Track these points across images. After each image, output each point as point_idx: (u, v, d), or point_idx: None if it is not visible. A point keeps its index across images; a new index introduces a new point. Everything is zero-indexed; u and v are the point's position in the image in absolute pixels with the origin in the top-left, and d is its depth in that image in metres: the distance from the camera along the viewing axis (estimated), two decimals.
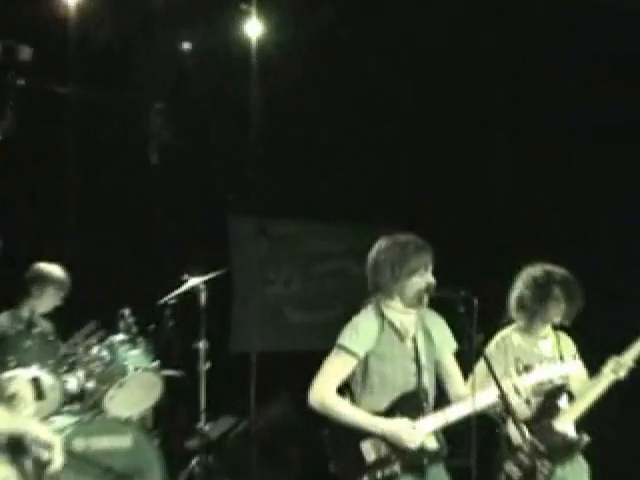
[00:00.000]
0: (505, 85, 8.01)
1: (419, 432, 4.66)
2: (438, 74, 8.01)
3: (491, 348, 5.54)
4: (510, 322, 5.66)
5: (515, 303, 5.59)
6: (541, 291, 5.50)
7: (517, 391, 4.78)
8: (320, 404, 4.69)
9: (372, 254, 4.86)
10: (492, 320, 5.56)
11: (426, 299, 4.79)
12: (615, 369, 5.39)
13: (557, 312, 5.53)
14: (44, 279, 6.46)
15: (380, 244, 4.86)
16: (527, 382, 4.88)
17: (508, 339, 5.60)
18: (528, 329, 5.60)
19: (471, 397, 4.65)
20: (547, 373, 4.98)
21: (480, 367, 4.97)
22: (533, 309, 5.52)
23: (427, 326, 4.89)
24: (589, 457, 5.52)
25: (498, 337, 5.63)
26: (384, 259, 4.79)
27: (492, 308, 5.58)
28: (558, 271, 5.59)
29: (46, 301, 6.49)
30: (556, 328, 5.64)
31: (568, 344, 5.68)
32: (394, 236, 4.87)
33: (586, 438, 5.46)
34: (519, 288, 5.58)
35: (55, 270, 6.51)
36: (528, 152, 7.88)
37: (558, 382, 5.27)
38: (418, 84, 8.07)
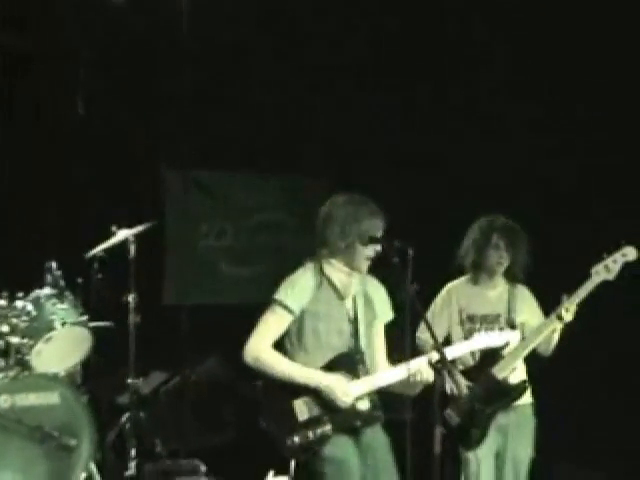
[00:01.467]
0: None
1: (351, 396, 4.69)
2: None
3: (437, 300, 5.69)
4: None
5: (462, 251, 5.67)
6: (480, 238, 5.59)
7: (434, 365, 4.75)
8: (255, 359, 4.69)
9: (324, 208, 4.86)
10: (438, 270, 5.65)
11: (369, 263, 4.80)
12: (559, 314, 5.39)
13: (498, 260, 5.57)
14: None
15: (334, 200, 4.86)
16: (458, 353, 5.01)
17: (454, 289, 5.70)
18: (475, 279, 5.67)
19: (403, 364, 4.66)
20: (483, 341, 5.04)
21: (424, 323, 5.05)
22: (475, 257, 5.60)
23: (368, 291, 4.90)
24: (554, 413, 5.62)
25: (444, 289, 5.73)
26: (335, 215, 4.79)
27: (436, 259, 5.72)
28: (503, 222, 5.62)
29: None
30: (515, 279, 5.67)
31: (524, 295, 5.67)
32: (350, 195, 4.86)
33: (527, 384, 5.51)
34: (468, 236, 5.67)
35: None
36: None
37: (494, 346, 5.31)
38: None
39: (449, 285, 5.73)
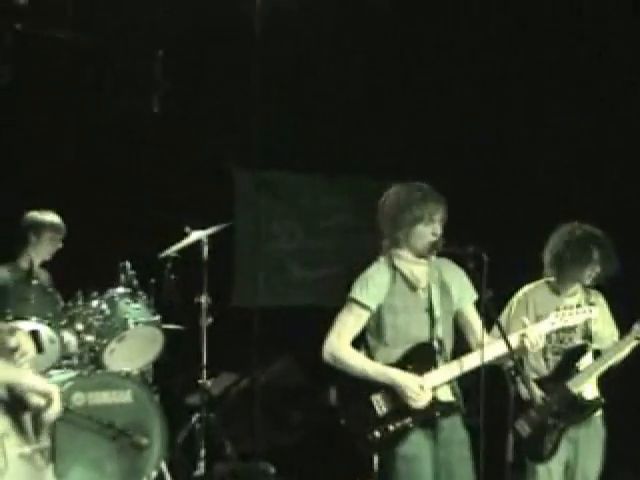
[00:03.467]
0: None
1: (427, 390, 4.62)
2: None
3: (513, 302, 5.51)
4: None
5: (551, 260, 5.48)
6: (582, 252, 5.39)
7: (531, 343, 4.69)
8: (332, 357, 4.69)
9: (381, 200, 4.84)
10: (511, 276, 5.54)
11: (434, 250, 4.73)
12: (639, 334, 5.31)
13: (592, 274, 5.43)
14: (40, 224, 6.37)
15: (389, 191, 4.83)
16: (540, 329, 4.80)
17: (531, 294, 5.53)
18: (556, 286, 5.51)
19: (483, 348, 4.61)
20: (562, 320, 4.88)
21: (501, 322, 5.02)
22: (570, 269, 5.41)
23: (443, 276, 4.83)
24: (613, 423, 5.46)
25: (521, 292, 5.57)
26: (388, 205, 4.77)
27: (510, 264, 5.66)
28: (598, 233, 5.48)
29: (45, 248, 6.39)
30: (587, 287, 5.54)
31: (599, 303, 5.52)
32: (405, 183, 4.82)
33: (601, 401, 5.40)
34: (558, 246, 5.47)
35: (49, 215, 6.43)
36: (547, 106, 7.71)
37: (578, 342, 5.31)
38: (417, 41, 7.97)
39: (526, 288, 5.57)
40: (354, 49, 7.90)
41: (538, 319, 5.25)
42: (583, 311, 4.91)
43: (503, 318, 5.37)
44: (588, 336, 5.41)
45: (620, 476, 6.65)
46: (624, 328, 5.45)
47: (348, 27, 7.83)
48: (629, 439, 6.53)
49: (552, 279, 5.51)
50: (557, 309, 4.90)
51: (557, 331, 5.26)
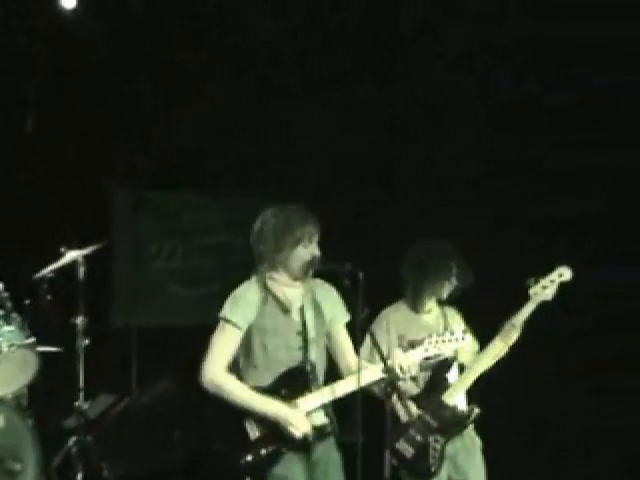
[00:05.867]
0: None
1: (305, 420, 4.62)
2: None
3: (374, 326, 5.44)
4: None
5: (409, 277, 5.61)
6: (441, 268, 5.54)
7: (403, 370, 4.71)
8: (213, 385, 4.65)
9: (257, 223, 4.79)
10: (383, 294, 5.55)
11: (310, 271, 4.73)
12: (503, 337, 5.41)
13: (441, 287, 5.56)
14: None
15: (265, 213, 4.79)
16: (413, 358, 4.82)
17: (391, 316, 5.61)
18: (413, 304, 5.63)
19: (357, 373, 4.61)
20: (435, 347, 4.90)
21: (367, 343, 5.08)
22: (429, 285, 5.56)
23: (317, 298, 4.81)
24: (485, 430, 5.57)
25: (380, 315, 5.62)
26: (268, 228, 4.72)
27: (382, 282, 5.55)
28: (441, 245, 5.59)
29: None
30: (441, 302, 5.66)
31: (455, 317, 5.67)
32: (280, 206, 4.81)
33: (477, 410, 5.50)
34: (415, 263, 5.61)
35: None
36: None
37: (447, 354, 5.26)
38: None
39: (384, 311, 5.65)
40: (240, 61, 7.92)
41: (400, 339, 5.44)
42: (456, 339, 4.92)
43: (364, 344, 5.21)
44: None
45: None
46: (484, 338, 5.54)
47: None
48: (506, 445, 6.60)
49: (408, 298, 5.62)
50: (430, 336, 4.91)
51: None
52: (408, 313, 5.62)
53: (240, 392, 4.64)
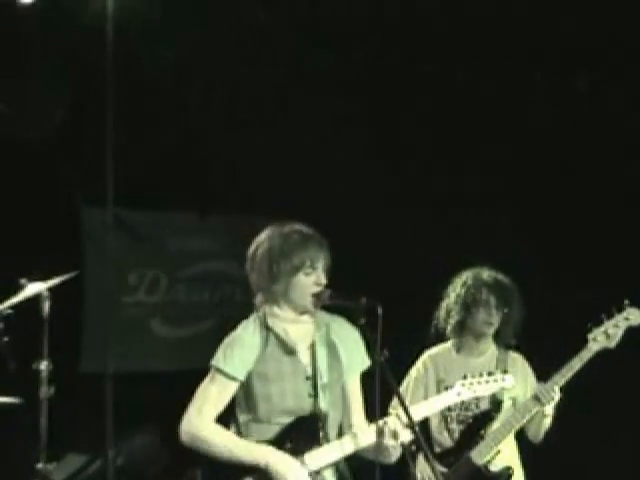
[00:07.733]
0: None
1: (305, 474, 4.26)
2: None
3: (412, 372, 5.43)
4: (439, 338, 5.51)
5: (443, 312, 5.41)
6: (466, 295, 5.32)
7: (394, 435, 4.25)
8: (191, 438, 4.28)
9: (251, 247, 4.43)
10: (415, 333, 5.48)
11: (319, 303, 4.33)
12: (539, 398, 5.12)
13: (487, 319, 5.29)
14: None
15: (261, 235, 4.43)
16: (444, 402, 4.48)
17: (431, 358, 5.45)
18: (459, 345, 5.41)
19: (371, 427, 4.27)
20: (470, 390, 4.46)
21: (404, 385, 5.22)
22: (459, 317, 5.33)
23: (332, 337, 4.42)
24: None
25: (424, 356, 5.47)
26: (262, 253, 4.35)
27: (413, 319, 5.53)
28: (490, 273, 5.37)
29: None
30: (509, 347, 5.40)
31: (517, 364, 5.36)
32: (279, 225, 4.43)
33: (511, 472, 5.25)
34: (448, 295, 5.42)
35: None
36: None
37: (484, 407, 5.18)
38: None
39: (426, 353, 5.44)
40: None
41: (439, 384, 5.25)
42: (495, 380, 4.50)
43: (402, 388, 5.27)
44: (497, 401, 5.23)
45: None
46: None
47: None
48: None
49: (452, 338, 5.40)
50: (464, 377, 4.53)
51: None
52: (453, 355, 5.41)
53: (220, 439, 4.26)
